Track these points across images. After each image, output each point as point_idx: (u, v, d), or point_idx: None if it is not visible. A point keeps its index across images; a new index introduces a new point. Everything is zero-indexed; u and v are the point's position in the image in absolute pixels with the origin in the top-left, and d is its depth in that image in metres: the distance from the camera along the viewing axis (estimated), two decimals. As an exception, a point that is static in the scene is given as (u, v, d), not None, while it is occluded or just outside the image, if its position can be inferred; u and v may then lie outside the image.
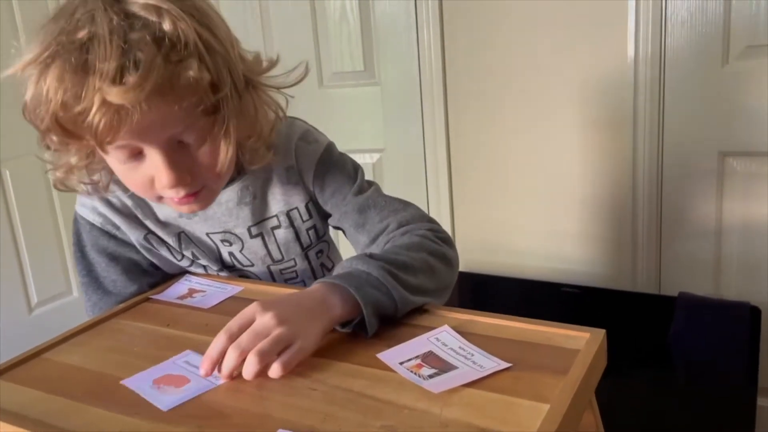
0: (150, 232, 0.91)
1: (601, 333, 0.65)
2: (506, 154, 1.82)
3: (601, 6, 1.60)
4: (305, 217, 0.93)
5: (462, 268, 1.97)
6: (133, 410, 0.62)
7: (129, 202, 0.89)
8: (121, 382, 0.64)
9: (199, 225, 0.91)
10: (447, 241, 0.86)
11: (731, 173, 1.56)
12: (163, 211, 0.90)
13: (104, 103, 0.65)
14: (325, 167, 0.91)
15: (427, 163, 1.96)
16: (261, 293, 0.87)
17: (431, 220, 0.90)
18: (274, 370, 0.64)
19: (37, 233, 2.29)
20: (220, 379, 0.65)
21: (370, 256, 0.76)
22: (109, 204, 0.89)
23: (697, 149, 1.58)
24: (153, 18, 0.66)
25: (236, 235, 0.92)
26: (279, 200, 0.91)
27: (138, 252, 0.92)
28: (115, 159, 0.75)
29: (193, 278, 0.94)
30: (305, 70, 0.81)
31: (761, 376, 1.51)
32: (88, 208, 0.90)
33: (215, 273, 0.96)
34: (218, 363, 0.65)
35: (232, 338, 0.65)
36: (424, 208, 1.93)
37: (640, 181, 1.66)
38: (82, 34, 0.65)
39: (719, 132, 1.54)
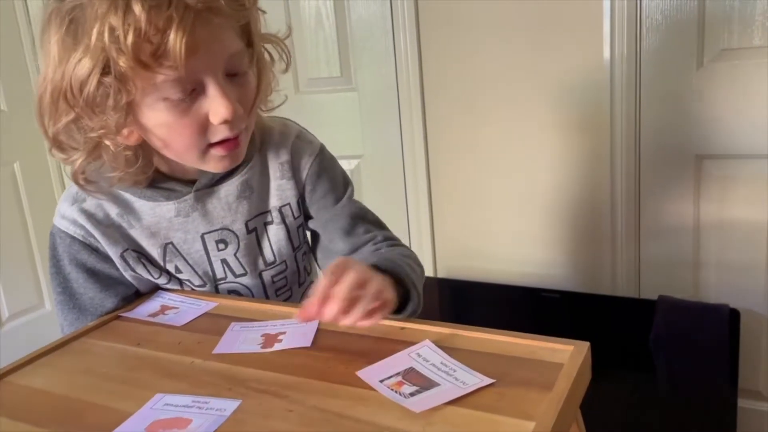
0: (127, 248, 0.88)
1: (585, 345, 0.64)
2: (485, 159, 1.81)
3: (576, 9, 1.60)
4: (296, 213, 0.95)
5: (441, 274, 1.97)
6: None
7: (114, 211, 0.87)
8: None
9: (195, 224, 0.89)
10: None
11: (708, 176, 1.56)
12: (153, 219, 0.88)
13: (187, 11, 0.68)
14: (320, 167, 0.95)
15: (406, 169, 1.95)
16: (236, 309, 0.85)
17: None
18: (376, 316, 0.69)
19: (8, 245, 2.24)
20: (234, 400, 0.63)
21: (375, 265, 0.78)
22: (91, 216, 0.86)
23: (673, 152, 1.58)
24: None
25: (233, 232, 0.91)
26: (274, 195, 0.93)
27: (118, 268, 0.89)
28: (165, 107, 0.75)
29: (166, 294, 0.91)
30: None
31: (741, 377, 1.52)
32: (69, 220, 0.87)
33: (193, 289, 0.93)
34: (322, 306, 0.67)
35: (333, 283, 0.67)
36: (403, 214, 1.97)
37: (618, 184, 1.66)
38: None
39: (696, 135, 1.55)
